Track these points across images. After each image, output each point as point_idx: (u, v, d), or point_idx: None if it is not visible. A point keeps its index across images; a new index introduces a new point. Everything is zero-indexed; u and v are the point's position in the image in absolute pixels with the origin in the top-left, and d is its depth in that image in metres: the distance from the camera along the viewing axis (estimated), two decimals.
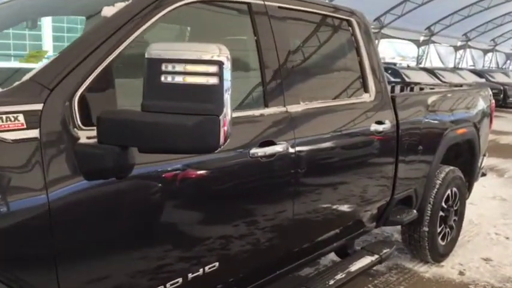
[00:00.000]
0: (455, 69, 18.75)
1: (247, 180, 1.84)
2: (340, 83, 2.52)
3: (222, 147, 1.22)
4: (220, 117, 1.17)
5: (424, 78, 14.89)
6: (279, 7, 2.11)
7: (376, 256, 2.67)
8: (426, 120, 3.01)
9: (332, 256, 3.20)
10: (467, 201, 5.26)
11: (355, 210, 2.59)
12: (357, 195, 2.53)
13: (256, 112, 1.89)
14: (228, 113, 1.20)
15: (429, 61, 27.11)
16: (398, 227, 3.52)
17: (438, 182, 3.33)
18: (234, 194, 1.81)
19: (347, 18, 2.57)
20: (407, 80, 14.29)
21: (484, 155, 4.09)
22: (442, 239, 3.50)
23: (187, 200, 1.63)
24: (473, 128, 3.64)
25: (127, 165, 1.33)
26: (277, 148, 1.89)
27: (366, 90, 2.57)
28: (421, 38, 23.77)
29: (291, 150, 1.96)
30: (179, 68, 1.16)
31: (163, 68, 1.16)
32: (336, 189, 2.36)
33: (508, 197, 5.54)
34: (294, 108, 2.05)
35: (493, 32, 27.55)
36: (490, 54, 31.61)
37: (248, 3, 1.97)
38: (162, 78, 1.17)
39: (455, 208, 3.63)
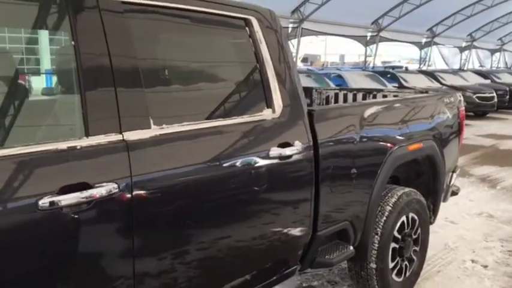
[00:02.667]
0: (457, 70, 18.04)
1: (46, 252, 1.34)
2: (226, 97, 2.00)
3: None
4: None
5: (423, 81, 14.26)
6: (123, 2, 1.61)
7: None
8: (362, 136, 2.49)
9: None
10: (447, 220, 4.71)
11: (263, 255, 2.09)
12: (258, 237, 2.01)
13: (64, 145, 1.39)
14: None
15: (433, 63, 26.44)
16: None
17: (388, 208, 2.80)
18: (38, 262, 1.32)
19: (244, 16, 2.07)
20: (405, 84, 13.70)
21: (454, 172, 3.54)
22: (398, 274, 2.95)
23: None
24: (434, 142, 3.10)
25: None
26: (94, 192, 1.39)
27: (269, 105, 2.06)
28: (423, 40, 23.09)
29: (122, 194, 1.46)
30: None
31: None
32: (217, 236, 1.85)
33: (496, 213, 4.94)
34: (137, 135, 1.55)
35: (500, 31, 26.72)
36: (497, 54, 30.73)
37: None
38: None
39: (414, 237, 3.08)
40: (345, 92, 4.27)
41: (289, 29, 16.59)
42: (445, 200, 3.51)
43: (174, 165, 1.63)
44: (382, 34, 19.98)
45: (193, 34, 1.92)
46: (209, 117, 1.82)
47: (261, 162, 1.94)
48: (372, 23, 19.52)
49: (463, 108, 3.54)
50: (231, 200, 1.86)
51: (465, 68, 23.02)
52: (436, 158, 3.12)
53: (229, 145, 1.84)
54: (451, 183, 3.51)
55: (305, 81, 10.94)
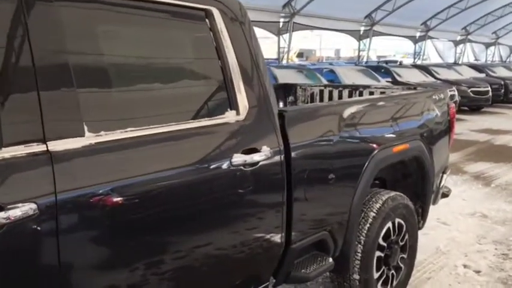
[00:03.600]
0: (452, 64, 17.83)
1: None
2: (181, 98, 1.77)
3: None
4: None
5: (416, 75, 14.05)
6: None
7: None
8: (341, 138, 2.27)
9: None
10: (438, 221, 4.51)
11: (230, 272, 1.88)
12: (223, 254, 1.80)
13: None
14: None
15: (428, 58, 26.26)
16: None
17: (372, 214, 2.59)
18: None
19: (203, 6, 1.84)
20: (399, 79, 13.48)
21: (444, 172, 3.33)
22: (384, 284, 2.75)
23: None
24: (421, 142, 2.89)
25: None
26: (6, 215, 1.16)
27: (233, 106, 1.84)
28: (417, 34, 22.83)
29: (43, 215, 1.23)
30: None
31: None
32: (171, 256, 1.63)
33: (490, 213, 4.75)
34: (65, 145, 1.33)
35: (494, 25, 26.49)
36: (492, 48, 30.55)
37: None
38: None
39: (401, 243, 2.88)
40: (331, 88, 4.06)
41: (281, 24, 16.30)
42: (435, 202, 3.31)
43: (112, 179, 1.40)
44: (375, 28, 19.71)
45: (141, 26, 1.69)
46: (160, 122, 1.60)
47: (223, 171, 1.72)
48: (365, 17, 19.25)
49: (454, 105, 3.33)
50: (188, 214, 1.65)
51: (460, 62, 22.85)
52: (424, 159, 2.92)
53: (183, 153, 1.62)
54: (441, 184, 3.31)
55: (296, 77, 10.71)
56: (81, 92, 1.39)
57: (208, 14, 1.86)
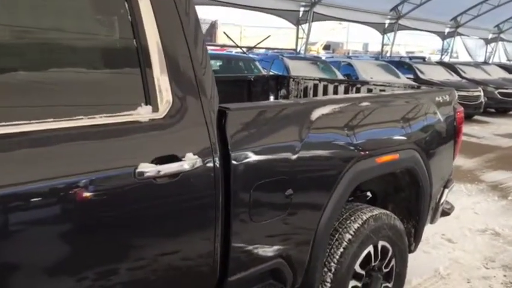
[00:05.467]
0: (480, 63, 16.92)
1: None
2: (69, 87, 1.31)
3: None
4: None
5: (440, 73, 13.32)
6: None
7: None
8: (306, 145, 1.83)
9: None
10: (443, 238, 4.02)
11: None
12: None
13: None
14: None
15: (457, 55, 25.21)
16: None
17: (347, 237, 2.16)
18: None
19: None
20: (421, 76, 12.80)
21: (446, 187, 2.85)
22: None
23: None
24: (415, 152, 2.43)
25: None
26: None
27: (149, 100, 1.42)
28: (446, 30, 21.83)
29: None
30: None
31: None
32: None
33: (504, 230, 4.22)
34: None
35: None
36: None
37: None
38: None
39: (386, 270, 2.43)
40: (326, 83, 3.60)
41: (300, 13, 15.68)
42: (432, 221, 2.84)
43: None
44: (401, 22, 18.85)
45: None
46: (36, 117, 1.20)
47: (121, 185, 1.31)
48: (391, 10, 18.44)
49: (462, 109, 2.84)
50: (70, 244, 1.25)
51: (490, 62, 21.78)
52: (418, 172, 2.45)
53: (59, 160, 1.21)
54: (442, 201, 2.83)
55: (310, 70, 10.21)
56: None
57: None
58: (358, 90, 3.37)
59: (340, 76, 10.12)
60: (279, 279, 1.92)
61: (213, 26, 29.94)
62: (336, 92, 3.51)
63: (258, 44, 13.56)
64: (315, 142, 1.87)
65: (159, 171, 1.37)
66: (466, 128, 10.23)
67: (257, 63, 9.21)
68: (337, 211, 2.05)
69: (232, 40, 11.79)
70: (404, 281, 2.60)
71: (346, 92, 3.44)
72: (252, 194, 1.65)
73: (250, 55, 11.45)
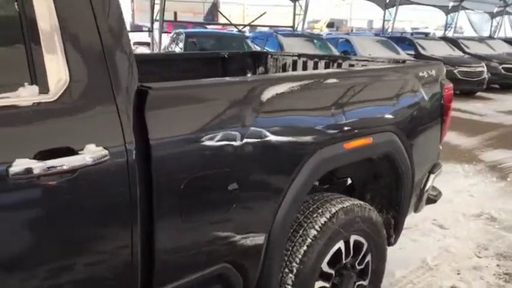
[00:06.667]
0: (484, 38, 16.38)
1: None
2: None
3: None
4: None
5: (442, 48, 12.88)
6: None
7: None
8: (254, 131, 1.56)
9: None
10: (434, 223, 3.74)
11: None
12: None
13: None
14: None
15: (461, 30, 24.55)
16: None
17: (312, 232, 1.91)
18: None
19: None
20: (422, 52, 12.37)
21: (432, 172, 2.57)
22: None
23: None
24: (394, 135, 2.15)
25: None
26: None
27: (35, 78, 1.14)
28: (450, 4, 21.13)
29: None
30: None
31: None
32: None
33: (500, 214, 3.95)
34: None
35: None
36: None
37: None
38: None
39: (360, 267, 2.18)
40: (305, 59, 3.30)
41: None
42: (417, 210, 2.58)
43: None
44: None
45: None
46: None
47: None
48: None
49: (451, 85, 2.54)
50: None
51: (496, 36, 21.15)
52: (398, 157, 2.18)
53: None
54: (427, 187, 2.56)
55: (306, 47, 9.84)
56: None
57: None
58: (339, 66, 3.06)
59: (336, 53, 9.75)
60: (226, 286, 1.66)
61: (214, 5, 29.16)
62: (316, 69, 3.21)
63: (253, 21, 13.11)
64: (266, 128, 1.59)
65: (46, 168, 1.10)
66: (468, 105, 9.90)
67: (248, 41, 8.85)
68: (296, 205, 1.78)
69: (225, 17, 11.40)
70: (383, 277, 2.35)
71: (326, 67, 3.14)
72: (183, 191, 1.38)
73: (251, 34, 11.08)
